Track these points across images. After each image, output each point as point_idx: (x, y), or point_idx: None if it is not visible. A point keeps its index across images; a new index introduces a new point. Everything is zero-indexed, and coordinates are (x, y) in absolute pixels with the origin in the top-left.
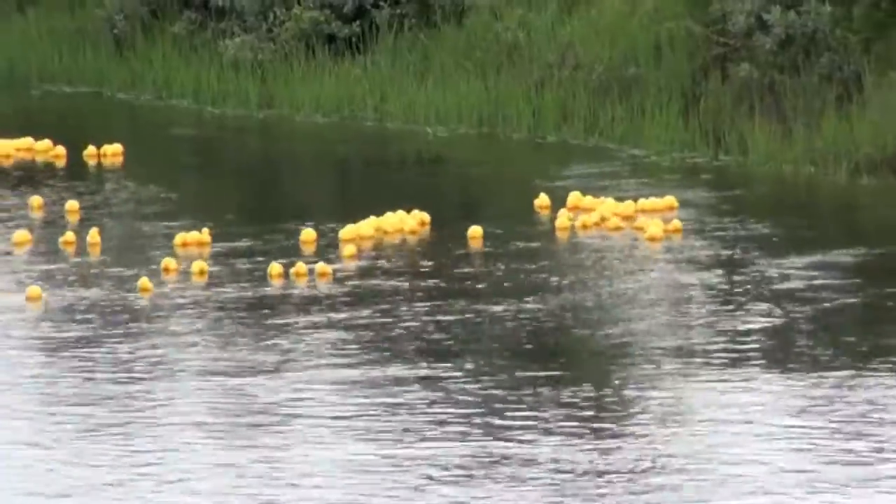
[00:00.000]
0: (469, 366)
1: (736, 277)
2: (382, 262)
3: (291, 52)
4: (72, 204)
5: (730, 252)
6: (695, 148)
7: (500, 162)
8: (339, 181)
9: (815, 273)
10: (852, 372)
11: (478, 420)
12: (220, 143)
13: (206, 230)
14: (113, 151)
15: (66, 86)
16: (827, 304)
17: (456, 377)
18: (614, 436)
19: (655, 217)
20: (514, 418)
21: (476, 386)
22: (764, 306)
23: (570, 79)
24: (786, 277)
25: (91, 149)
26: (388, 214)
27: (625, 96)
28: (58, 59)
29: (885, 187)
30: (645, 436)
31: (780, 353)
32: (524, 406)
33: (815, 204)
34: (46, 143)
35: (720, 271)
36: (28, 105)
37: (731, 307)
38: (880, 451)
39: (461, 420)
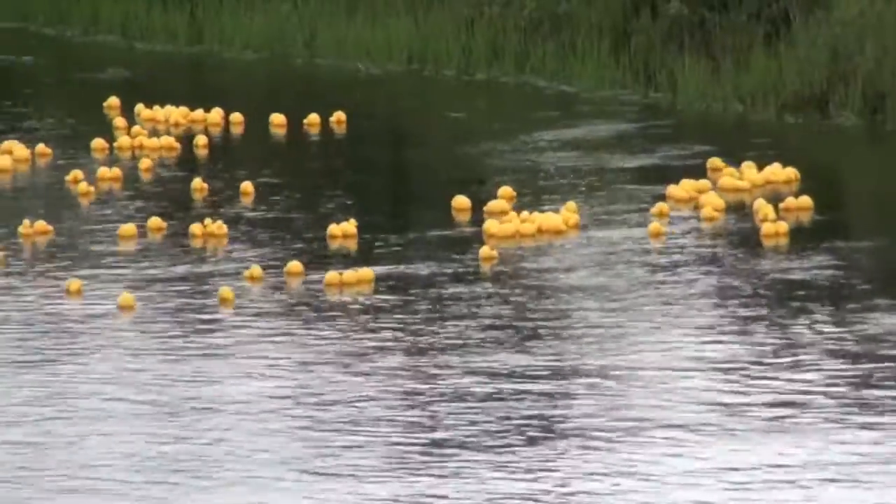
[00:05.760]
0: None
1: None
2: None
3: None
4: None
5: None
6: (626, 85)
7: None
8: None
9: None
10: (776, 304)
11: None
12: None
13: (352, 221)
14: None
15: None
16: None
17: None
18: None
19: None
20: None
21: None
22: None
23: (501, 16)
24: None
25: (313, 116)
26: (549, 214)
27: (556, 33)
28: None
29: (810, 125)
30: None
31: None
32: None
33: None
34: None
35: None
36: None
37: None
38: (812, 391)
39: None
